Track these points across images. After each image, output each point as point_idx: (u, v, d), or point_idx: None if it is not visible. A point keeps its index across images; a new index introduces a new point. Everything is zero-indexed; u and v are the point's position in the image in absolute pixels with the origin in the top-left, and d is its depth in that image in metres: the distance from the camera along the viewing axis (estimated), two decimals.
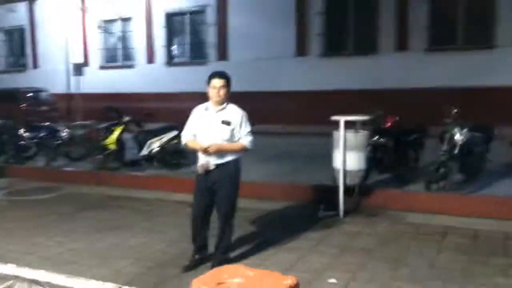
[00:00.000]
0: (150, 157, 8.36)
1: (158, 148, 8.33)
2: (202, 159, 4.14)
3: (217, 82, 4.11)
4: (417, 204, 5.96)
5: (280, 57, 16.48)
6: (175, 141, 8.78)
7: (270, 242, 4.97)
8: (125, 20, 19.55)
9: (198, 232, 4.31)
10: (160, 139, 8.39)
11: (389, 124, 7.04)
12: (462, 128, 6.34)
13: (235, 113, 4.18)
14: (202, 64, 18.03)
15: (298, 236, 5.17)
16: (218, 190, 4.18)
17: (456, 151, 6.30)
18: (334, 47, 16.15)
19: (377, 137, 6.75)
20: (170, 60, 18.86)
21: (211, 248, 4.45)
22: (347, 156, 5.81)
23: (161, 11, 18.58)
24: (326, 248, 4.81)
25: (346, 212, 5.90)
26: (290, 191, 6.67)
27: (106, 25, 19.96)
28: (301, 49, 16.45)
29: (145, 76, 18.82)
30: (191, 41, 18.52)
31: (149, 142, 8.32)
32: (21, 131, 9.47)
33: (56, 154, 9.11)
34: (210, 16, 17.80)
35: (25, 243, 5.10)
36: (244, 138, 4.17)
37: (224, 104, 4.19)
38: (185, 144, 4.36)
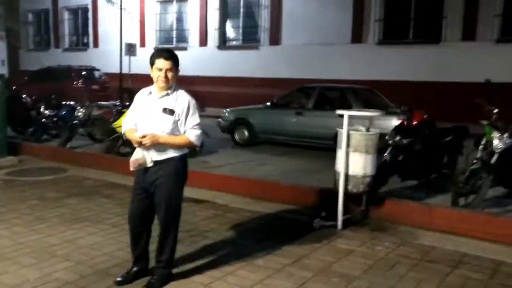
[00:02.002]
0: None
1: None
2: (137, 154, 3.45)
3: (163, 64, 3.38)
4: (435, 221, 4.93)
5: (335, 44, 15.42)
6: None
7: (237, 255, 4.22)
8: (181, 1, 19.27)
9: (135, 240, 3.65)
10: None
11: (415, 122, 5.94)
12: (503, 133, 5.18)
13: (181, 100, 3.44)
14: (254, 48, 17.43)
15: (276, 250, 4.37)
16: (156, 193, 3.49)
17: (493, 160, 5.16)
18: (393, 34, 14.84)
19: (399, 137, 5.72)
20: (222, 44, 18.35)
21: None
22: (351, 158, 4.89)
23: None
24: (300, 269, 3.98)
25: (347, 224, 5.01)
26: (290, 193, 5.84)
27: (162, 6, 19.81)
28: (357, 36, 15.27)
29: (197, 59, 18.47)
30: (243, 24, 17.91)
31: None
32: (42, 108, 9.32)
33: (71, 134, 8.83)
34: None
35: None
36: (190, 131, 3.43)
37: (170, 90, 3.46)
38: (124, 134, 3.68)
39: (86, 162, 7.84)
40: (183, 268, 3.91)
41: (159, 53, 3.43)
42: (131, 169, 3.48)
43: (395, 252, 4.41)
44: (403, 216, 5.10)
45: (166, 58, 3.38)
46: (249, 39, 17.70)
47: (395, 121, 7.31)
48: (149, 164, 3.43)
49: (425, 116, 6.12)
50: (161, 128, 3.39)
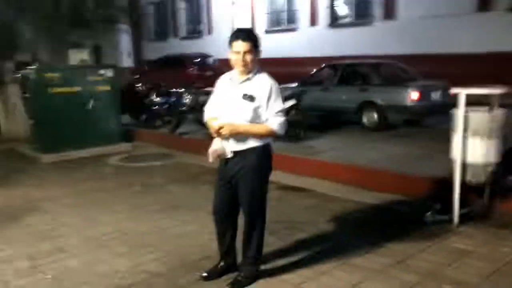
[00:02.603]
0: None
1: None
2: (216, 144, 3.21)
3: (241, 46, 3.06)
4: None
5: (458, 13, 13.92)
6: (293, 111, 7.95)
7: (334, 252, 3.84)
8: None
9: (221, 234, 3.43)
10: None
11: None
12: None
13: (262, 85, 3.10)
14: (366, 24, 16.46)
15: (378, 248, 3.90)
16: (238, 186, 3.22)
17: None
18: None
19: None
20: (333, 22, 17.62)
21: None
22: (469, 144, 4.21)
23: None
24: (404, 271, 3.48)
25: (465, 220, 4.34)
26: (398, 182, 5.26)
27: None
28: (484, 3, 13.60)
29: (308, 39, 18.03)
30: (355, 0, 16.96)
31: None
32: (153, 96, 9.64)
33: (180, 120, 9.00)
34: None
35: (81, 217, 4.89)
36: (272, 119, 3.09)
37: (251, 74, 3.15)
38: (205, 123, 3.45)
39: (191, 148, 7.92)
40: (273, 264, 3.64)
41: (237, 34, 3.12)
42: (210, 160, 3.26)
43: None
44: None
45: (244, 39, 3.06)
46: (362, 14, 16.76)
47: (410, 93, 8.40)
48: (229, 155, 3.18)
49: None
50: (241, 115, 3.10)
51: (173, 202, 5.33)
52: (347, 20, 17.39)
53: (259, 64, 3.21)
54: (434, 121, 9.30)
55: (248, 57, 3.07)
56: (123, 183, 6.20)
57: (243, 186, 3.19)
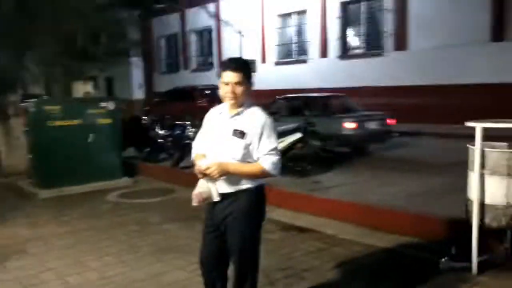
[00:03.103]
0: None
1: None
2: (202, 186, 2.89)
3: (230, 76, 2.77)
4: None
5: (470, 44, 13.69)
6: (299, 145, 7.64)
7: None
8: (300, 13, 18.86)
9: (208, 286, 3.07)
10: (281, 142, 7.24)
11: None
12: None
13: (254, 120, 2.79)
14: (377, 55, 16.29)
15: None
16: (227, 233, 2.88)
17: None
18: None
19: None
20: (344, 53, 17.48)
21: None
22: (487, 183, 3.82)
23: (336, 1, 17.33)
24: None
25: (485, 267, 3.92)
26: (411, 223, 4.85)
27: (282, 20, 19.59)
28: (498, 33, 13.36)
29: (318, 70, 17.87)
30: (366, 31, 16.87)
31: None
32: (157, 128, 9.41)
33: (183, 153, 8.73)
34: (388, 1, 15.83)
35: (69, 260, 4.54)
36: (264, 157, 2.76)
37: (242, 108, 2.85)
38: (193, 160, 3.14)
39: (193, 183, 7.55)
40: None
41: (227, 64, 2.83)
42: (194, 204, 2.93)
43: None
44: None
45: (233, 70, 2.76)
46: (372, 46, 16.61)
47: (346, 123, 9.21)
48: (216, 198, 2.84)
49: None
50: (231, 153, 2.78)
51: (167, 244, 4.98)
52: (358, 51, 17.26)
53: (254, 96, 2.92)
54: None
55: (238, 89, 2.77)
56: (119, 222, 5.87)
57: (232, 234, 2.84)
